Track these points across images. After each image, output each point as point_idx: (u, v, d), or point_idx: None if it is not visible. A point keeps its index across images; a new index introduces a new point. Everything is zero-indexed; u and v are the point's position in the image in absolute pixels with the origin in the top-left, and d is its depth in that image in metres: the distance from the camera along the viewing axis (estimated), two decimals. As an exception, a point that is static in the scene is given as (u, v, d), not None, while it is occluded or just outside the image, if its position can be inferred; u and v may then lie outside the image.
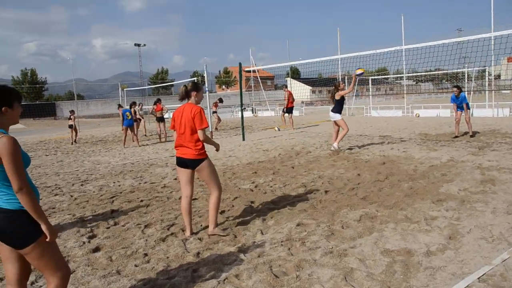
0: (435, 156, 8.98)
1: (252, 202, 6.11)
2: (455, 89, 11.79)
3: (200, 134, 4.51)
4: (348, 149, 10.67)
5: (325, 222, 4.92)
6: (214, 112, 20.43)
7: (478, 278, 3.31)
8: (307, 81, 55.47)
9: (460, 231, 4.35)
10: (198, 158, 4.56)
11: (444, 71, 38.37)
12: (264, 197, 6.35)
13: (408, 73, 28.43)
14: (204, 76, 17.09)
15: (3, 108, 2.52)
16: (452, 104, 12.21)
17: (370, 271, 3.53)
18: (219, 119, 20.90)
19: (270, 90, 58.50)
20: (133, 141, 15.46)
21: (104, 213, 5.98)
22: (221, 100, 20.93)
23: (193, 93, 4.66)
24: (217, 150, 4.97)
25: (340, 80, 10.63)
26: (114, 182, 8.17)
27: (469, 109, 11.86)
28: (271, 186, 7.07)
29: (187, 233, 4.74)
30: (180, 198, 6.45)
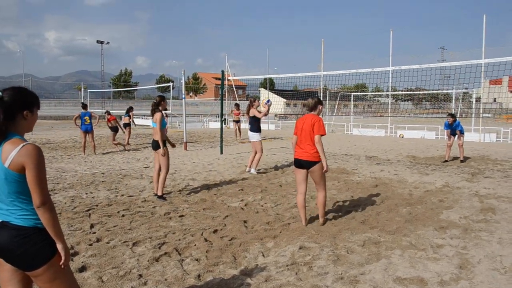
0: (428, 180, 9.33)
1: (245, 221, 6.17)
2: (449, 117, 12.40)
3: (316, 138, 5.65)
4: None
5: (328, 246, 5.04)
6: (237, 121, 20.66)
7: (498, 310, 3.50)
8: (281, 93, 56.17)
9: (470, 261, 4.57)
10: (313, 160, 5.71)
11: (426, 91, 39.84)
12: (257, 217, 6.42)
13: (387, 91, 29.29)
14: (173, 82, 17.13)
15: (24, 112, 2.45)
16: (445, 130, 12.78)
17: (386, 300, 3.66)
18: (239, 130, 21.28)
19: (241, 100, 58.74)
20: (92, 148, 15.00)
21: (82, 228, 5.87)
22: (238, 106, 21.17)
23: (320, 107, 5.97)
24: (325, 169, 5.74)
25: (258, 99, 10.62)
26: (86, 193, 8.02)
27: (463, 134, 12.43)
28: (261, 205, 7.15)
29: (303, 223, 5.93)
30: (165, 214, 6.54)
